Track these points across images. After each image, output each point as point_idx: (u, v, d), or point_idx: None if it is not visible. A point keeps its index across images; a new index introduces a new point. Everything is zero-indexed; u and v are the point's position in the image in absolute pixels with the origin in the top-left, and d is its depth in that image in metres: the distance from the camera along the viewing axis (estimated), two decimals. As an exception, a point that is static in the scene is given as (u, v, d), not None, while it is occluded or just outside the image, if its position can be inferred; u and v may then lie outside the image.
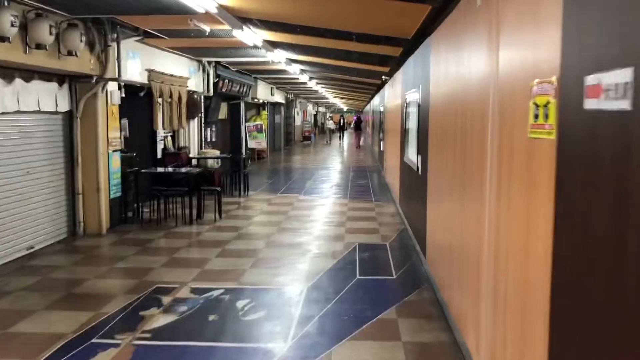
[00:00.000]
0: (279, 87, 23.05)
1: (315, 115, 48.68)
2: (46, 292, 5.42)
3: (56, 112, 7.48)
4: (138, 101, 9.96)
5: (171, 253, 6.97)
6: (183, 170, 9.25)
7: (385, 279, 5.97)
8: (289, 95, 27.46)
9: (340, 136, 38.09)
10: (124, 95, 8.90)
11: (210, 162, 12.73)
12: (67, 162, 7.83)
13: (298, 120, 34.90)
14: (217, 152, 13.20)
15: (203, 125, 13.39)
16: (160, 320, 4.73)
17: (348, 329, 4.57)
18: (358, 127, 33.70)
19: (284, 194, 12.26)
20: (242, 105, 18.02)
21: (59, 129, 7.68)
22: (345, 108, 61.14)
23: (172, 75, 10.48)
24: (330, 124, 47.89)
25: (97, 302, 5.16)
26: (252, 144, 20.86)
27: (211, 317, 4.81)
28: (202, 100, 13.19)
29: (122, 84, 8.81)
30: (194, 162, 12.53)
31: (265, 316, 4.86)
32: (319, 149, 29.71)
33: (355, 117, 41.08)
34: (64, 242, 7.53)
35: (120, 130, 9.41)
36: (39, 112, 7.10)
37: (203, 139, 13.44)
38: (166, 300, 5.23)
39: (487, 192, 3.49)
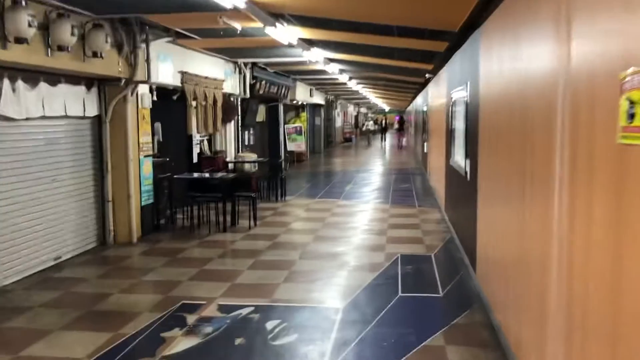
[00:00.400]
0: (318, 88, 22.63)
1: (356, 117, 48.10)
2: (66, 309, 5.10)
3: (84, 117, 7.23)
4: (173, 104, 9.68)
5: (201, 264, 6.59)
6: (218, 175, 8.88)
7: (430, 297, 5.41)
8: (328, 97, 27.01)
9: (381, 137, 36.64)
10: (155, 98, 8.63)
11: (247, 166, 12.38)
12: (97, 169, 7.57)
13: (339, 122, 34.43)
14: (254, 156, 12.85)
15: (240, 128, 13.07)
16: (182, 343, 4.32)
17: (388, 358, 4.04)
18: (401, 127, 34.20)
19: (323, 199, 11.79)
20: (281, 108, 17.66)
21: (88, 135, 7.42)
22: (387, 108, 60.33)
23: (206, 78, 10.16)
24: (370, 125, 45.44)
25: (118, 320, 4.80)
26: (291, 146, 20.51)
27: (237, 341, 4.36)
28: (239, 103, 12.87)
29: (154, 86, 8.53)
30: (230, 166, 12.22)
31: (297, 340, 4.37)
32: (360, 151, 29.15)
33: (397, 118, 40.85)
34: (92, 252, 7.26)
35: (153, 135, 9.15)
36: (66, 117, 6.84)
37: (240, 143, 13.11)
38: (191, 319, 4.82)
39: (555, 203, 2.91)
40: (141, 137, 8.01)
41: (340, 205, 10.86)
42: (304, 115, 21.71)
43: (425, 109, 16.56)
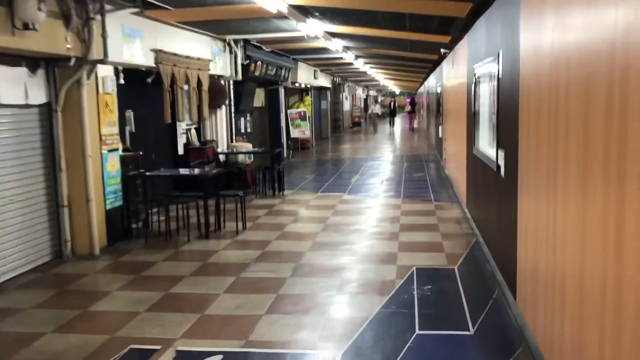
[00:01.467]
0: (323, 70, 21.18)
1: (365, 100, 46.56)
2: (-26, 361, 3.85)
3: (28, 105, 5.93)
4: (149, 89, 8.37)
5: (169, 285, 5.31)
6: (197, 171, 7.56)
7: (458, 337, 4.08)
8: (335, 79, 25.57)
9: (390, 122, 33.26)
10: (123, 81, 7.32)
11: (241, 158, 11.08)
12: (48, 168, 6.29)
13: (347, 105, 32.97)
14: (249, 146, 11.52)
15: (233, 114, 11.73)
16: None
17: None
18: (412, 109, 33.00)
19: (326, 193, 10.46)
20: (282, 91, 16.28)
21: (35, 126, 6.12)
22: (397, 91, 58.68)
23: (188, 57, 8.82)
24: (377, 108, 38.72)
25: (35, 380, 3.54)
26: (295, 133, 19.20)
27: (188, 420, 3.08)
28: (231, 86, 11.52)
29: (120, 68, 7.22)
30: (222, 158, 10.91)
31: (273, 417, 3.08)
32: (370, 136, 27.68)
33: (408, 100, 39.90)
34: (42, 269, 6.00)
35: (126, 125, 7.87)
36: (1, 105, 5.55)
37: (234, 131, 11.78)
38: (134, 377, 3.55)
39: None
40: (103, 128, 6.71)
41: (345, 201, 9.52)
42: (308, 99, 20.31)
43: (439, 89, 15.11)
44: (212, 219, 7.45)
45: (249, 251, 6.45)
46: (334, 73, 24.11)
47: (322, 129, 25.50)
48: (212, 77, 10.14)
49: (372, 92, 50.59)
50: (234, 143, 11.48)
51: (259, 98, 15.02)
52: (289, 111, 19.26)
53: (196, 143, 10.51)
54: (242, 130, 13.33)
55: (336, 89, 28.68)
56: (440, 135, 14.46)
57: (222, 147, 11.10)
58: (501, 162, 4.97)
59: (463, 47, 8.58)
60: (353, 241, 6.82)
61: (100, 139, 6.66)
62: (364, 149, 20.41)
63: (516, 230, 4.28)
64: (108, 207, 6.81)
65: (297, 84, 17.56)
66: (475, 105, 6.91)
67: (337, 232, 7.31)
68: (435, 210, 8.57)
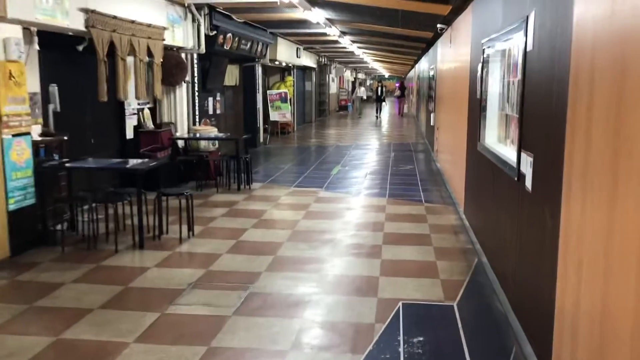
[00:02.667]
0: (307, 48, 19.61)
1: (353, 82, 45.03)
2: None
3: None
4: (88, 59, 6.85)
5: (65, 324, 3.87)
6: (129, 165, 6.06)
7: None
8: (321, 59, 24.00)
9: (377, 109, 27.93)
10: (37, 47, 5.79)
11: (204, 144, 9.59)
12: None
13: (333, 88, 31.43)
14: (213, 130, 10.01)
15: (197, 93, 10.20)
16: None
17: None
18: (402, 93, 31.39)
19: (301, 188, 9.01)
20: (259, 69, 14.72)
21: None
22: (386, 74, 57.16)
23: (134, 23, 7.27)
24: (361, 91, 32.56)
25: None
26: (274, 115, 17.68)
27: None
28: (195, 61, 9.98)
29: (35, 29, 5.68)
30: (181, 143, 9.42)
31: None
32: (356, 121, 26.19)
33: (398, 84, 38.21)
34: None
35: (49, 103, 6.35)
36: None
37: (197, 112, 10.26)
38: None
39: None
40: (5, 106, 5.19)
41: (320, 200, 8.09)
42: (290, 79, 18.76)
43: (432, 73, 13.67)
44: (155, 221, 6.00)
45: (187, 270, 5.01)
46: (319, 52, 22.53)
47: (305, 112, 23.99)
48: (168, 48, 8.60)
49: (361, 75, 49.00)
50: (197, 126, 9.96)
51: (232, 76, 13.47)
52: (268, 92, 17.72)
53: (150, 126, 8.99)
54: (211, 112, 11.81)
55: (322, 69, 27.13)
56: (432, 123, 13.05)
57: (181, 131, 9.60)
58: (526, 170, 3.55)
59: (466, 21, 7.13)
60: (324, 258, 5.40)
61: (1, 120, 5.15)
62: (349, 135, 18.95)
63: (555, 262, 2.89)
64: (12, 206, 5.32)
65: (276, 62, 16.01)
66: (482, 91, 5.48)
67: (306, 243, 5.88)
68: (427, 214, 7.18)
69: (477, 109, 5.77)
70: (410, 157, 12.97)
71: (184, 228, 6.04)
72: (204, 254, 5.51)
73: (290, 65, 18.39)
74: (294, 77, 19.29)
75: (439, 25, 9.24)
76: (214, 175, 9.49)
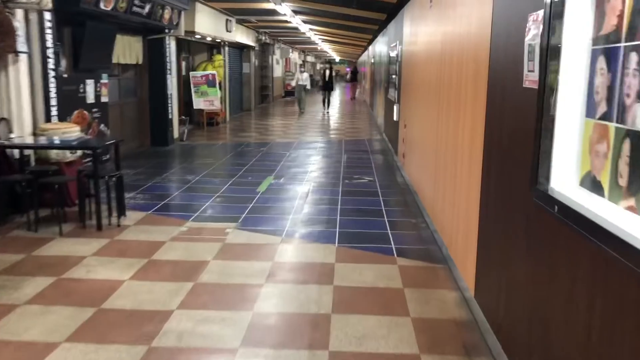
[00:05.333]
0: (240, 21, 16.23)
1: (301, 65, 41.80)
2: None
3: None
4: None
5: None
6: None
7: None
8: (261, 36, 20.62)
9: (324, 100, 21.39)
10: None
11: (54, 154, 6.24)
12: None
13: (278, 71, 28.10)
14: (74, 131, 6.60)
15: (57, 74, 6.78)
16: None
17: None
18: (354, 77, 30.62)
19: (202, 223, 5.79)
20: (171, 43, 11.28)
21: None
22: (337, 58, 54.13)
23: None
24: (304, 78, 21.17)
25: None
26: (199, 103, 14.36)
27: None
28: (48, 24, 6.54)
29: None
30: (15, 152, 6.03)
31: None
32: (306, 108, 22.88)
33: (349, 69, 37.13)
34: None
35: None
36: None
37: (57, 102, 6.85)
38: None
39: None
40: None
41: (226, 252, 4.90)
42: (219, 58, 15.34)
43: (394, 53, 10.62)
44: None
45: None
46: (258, 28, 19.16)
47: (243, 99, 20.65)
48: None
49: (310, 58, 45.73)
50: (49, 125, 6.54)
51: (131, 51, 10.01)
52: (191, 74, 14.34)
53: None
54: (91, 101, 8.36)
55: (264, 49, 23.78)
56: (395, 117, 10.01)
57: (22, 131, 6.20)
58: None
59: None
60: None
61: None
62: (293, 127, 15.76)
63: None
64: None
65: (197, 36, 12.60)
66: (548, 75, 2.43)
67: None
68: (404, 288, 4.12)
69: (524, 110, 2.73)
70: (367, 161, 9.93)
71: None
72: None
73: (219, 41, 14.99)
74: (225, 57, 15.89)
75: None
76: (73, 200, 6.17)
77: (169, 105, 11.21)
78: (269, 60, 24.53)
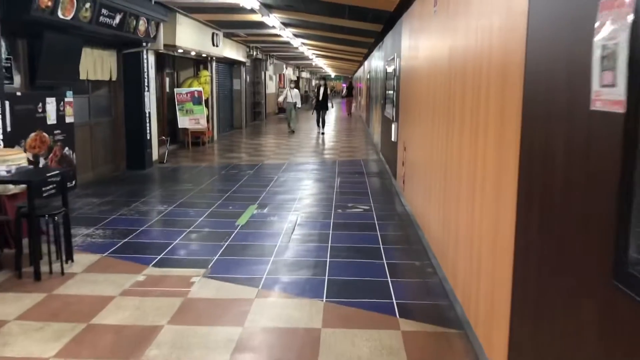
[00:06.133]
0: (230, 36, 15.41)
1: (296, 82, 41.09)
2: None
3: None
4: None
5: None
6: None
7: None
8: (252, 52, 19.81)
9: (318, 120, 18.33)
10: None
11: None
12: None
13: (271, 87, 27.31)
14: (21, 158, 5.66)
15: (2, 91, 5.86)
16: None
17: None
18: (350, 93, 30.82)
19: (165, 269, 4.83)
20: (149, 58, 10.41)
21: None
22: (332, 74, 53.51)
23: None
24: (292, 95, 19.09)
25: None
26: (184, 122, 13.51)
27: None
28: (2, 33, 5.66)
29: None
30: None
31: None
32: (297, 127, 21.98)
33: (345, 84, 36.94)
34: None
35: None
36: None
37: (7, 122, 5.93)
38: None
39: None
40: None
41: (186, 311, 3.93)
42: (205, 74, 14.46)
43: (392, 68, 9.76)
44: None
45: None
46: (248, 43, 18.35)
47: (234, 116, 19.79)
48: None
49: (305, 74, 45.05)
50: (-10, 150, 5.61)
51: (103, 66, 9.12)
52: (176, 90, 13.49)
53: None
54: (52, 122, 7.44)
55: (256, 65, 22.99)
56: (393, 137, 9.11)
57: (-46, 158, 5.25)
58: None
59: None
60: None
61: None
62: (284, 146, 14.86)
63: None
64: None
65: (180, 50, 11.74)
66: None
67: None
68: (411, 367, 3.18)
69: (594, 146, 1.83)
70: (362, 185, 9.01)
71: None
72: None
73: (205, 56, 14.13)
74: (211, 72, 15.01)
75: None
76: (13, 240, 5.21)
77: (147, 124, 10.30)
78: (261, 76, 23.71)
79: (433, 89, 5.31)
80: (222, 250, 5.36)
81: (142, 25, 9.06)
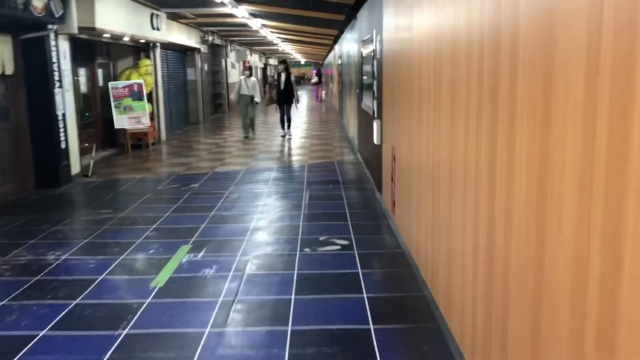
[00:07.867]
0: (176, 17, 13.12)
1: (263, 69, 38.81)
2: None
3: None
4: None
5: None
6: None
7: None
8: (208, 37, 17.52)
9: (282, 119, 13.72)
10: None
11: None
12: None
13: (234, 76, 25.00)
14: None
15: None
16: None
17: None
18: (320, 80, 31.76)
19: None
20: (59, 45, 8.12)
21: None
22: (302, 60, 51.31)
23: None
24: (251, 86, 13.76)
25: None
26: (121, 121, 11.30)
27: None
28: None
29: None
30: None
31: None
32: (262, 119, 19.78)
33: (315, 70, 36.40)
34: None
35: None
36: None
37: None
38: None
39: None
40: None
41: None
42: (145, 63, 12.17)
43: (369, 50, 7.69)
44: None
45: None
46: (201, 26, 16.07)
47: (189, 111, 17.53)
48: None
49: (273, 61, 42.71)
50: None
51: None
52: (111, 85, 11.24)
53: None
54: None
55: (215, 52, 20.70)
56: (376, 140, 7.03)
57: None
58: None
59: None
60: None
61: None
62: (244, 146, 12.70)
63: None
64: None
65: (105, 35, 9.47)
66: None
67: None
68: None
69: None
70: (339, 203, 6.94)
71: None
72: None
73: (146, 42, 11.86)
74: (155, 61, 12.72)
75: None
76: None
77: (61, 130, 8.06)
78: (221, 64, 21.43)
79: (446, 75, 3.27)
80: (115, 344, 3.27)
81: (41, 2, 6.81)
